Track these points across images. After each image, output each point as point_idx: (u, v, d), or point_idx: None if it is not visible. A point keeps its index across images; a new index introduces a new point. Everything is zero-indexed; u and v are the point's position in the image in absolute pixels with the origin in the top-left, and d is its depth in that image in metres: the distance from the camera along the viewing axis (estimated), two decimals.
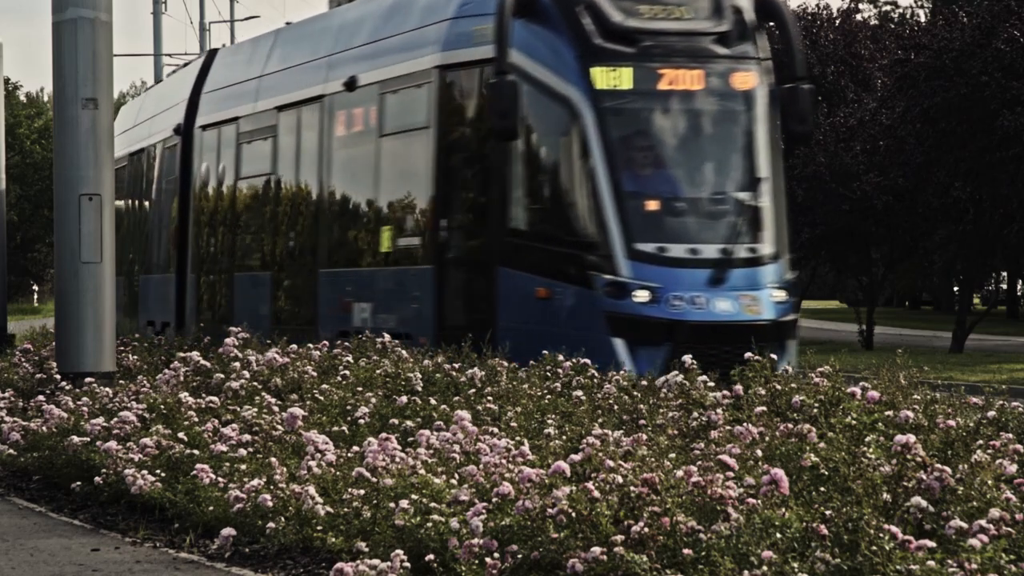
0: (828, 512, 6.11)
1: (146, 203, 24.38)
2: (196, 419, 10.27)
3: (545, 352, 13.31)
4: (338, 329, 16.68)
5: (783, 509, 6.40)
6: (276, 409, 10.25)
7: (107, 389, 11.95)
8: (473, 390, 11.31)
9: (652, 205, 14.59)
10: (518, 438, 8.77)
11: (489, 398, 10.62)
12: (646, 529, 6.22)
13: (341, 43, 18.13)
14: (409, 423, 9.87)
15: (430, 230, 15.80)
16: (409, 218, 16.48)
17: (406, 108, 16.59)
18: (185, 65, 24.33)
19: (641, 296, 14.00)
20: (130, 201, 25.29)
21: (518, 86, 14.29)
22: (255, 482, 8.19)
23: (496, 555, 6.49)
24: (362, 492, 7.69)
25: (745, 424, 8.37)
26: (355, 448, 8.77)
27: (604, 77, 14.48)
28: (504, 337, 13.61)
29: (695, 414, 9.52)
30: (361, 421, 10.13)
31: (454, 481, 7.71)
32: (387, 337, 13.35)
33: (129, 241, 24.66)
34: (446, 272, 15.59)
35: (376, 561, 6.63)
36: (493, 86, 14.35)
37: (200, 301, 21.50)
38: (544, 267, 14.62)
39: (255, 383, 11.76)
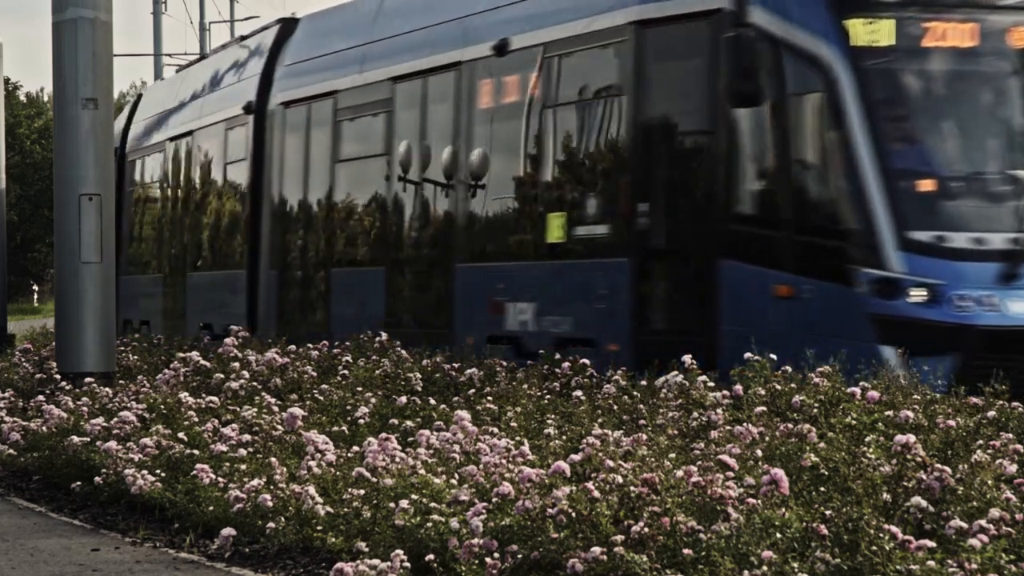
0: (828, 512, 6.11)
1: (196, 192, 21.77)
2: (196, 419, 10.27)
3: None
4: (486, 333, 14.61)
5: (783, 509, 6.40)
6: (276, 409, 10.26)
7: (107, 389, 11.96)
8: (473, 390, 11.32)
9: (928, 185, 12.24)
10: (518, 438, 8.77)
11: (489, 398, 10.62)
12: (646, 529, 6.22)
13: (482, 2, 15.65)
14: (409, 423, 9.87)
15: (624, 216, 13.38)
16: (591, 202, 14.07)
17: (586, 73, 14.23)
18: (243, 38, 21.91)
19: (918, 295, 11.71)
20: (171, 191, 22.81)
21: (760, 42, 12.13)
22: (255, 482, 8.19)
23: (496, 555, 6.49)
24: (362, 492, 7.69)
25: (745, 424, 8.37)
26: (355, 448, 8.77)
27: (863, 32, 12.24)
28: (728, 344, 11.90)
29: (695, 414, 9.52)
30: (361, 421, 10.14)
31: (454, 481, 7.71)
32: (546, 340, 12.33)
33: (171, 235, 22.60)
34: (646, 265, 13.21)
35: (376, 561, 6.63)
36: (731, 42, 12.16)
37: (282, 301, 18.72)
38: (785, 259, 12.23)
39: (255, 383, 11.77)
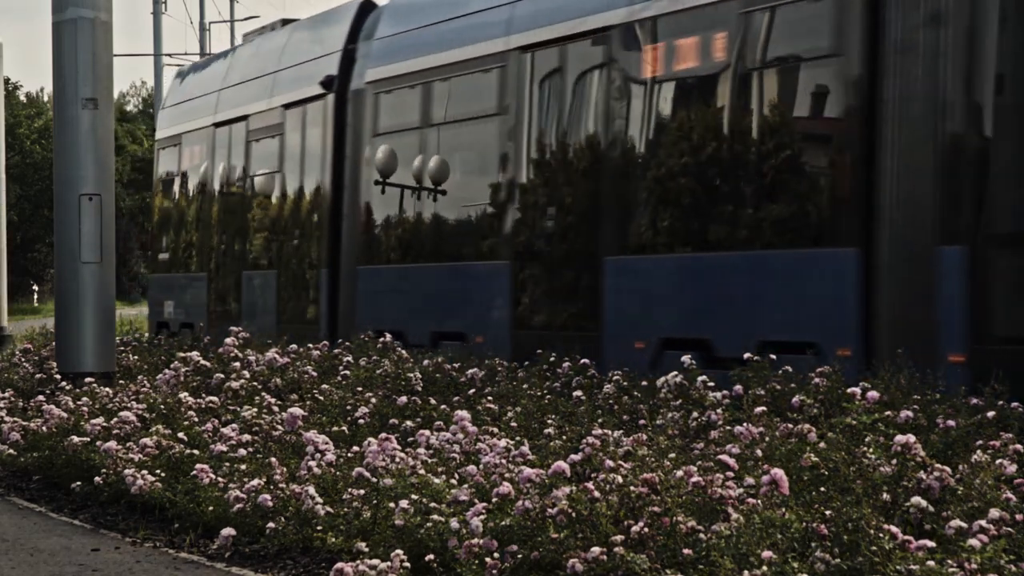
0: (828, 512, 6.11)
1: (251, 181, 19.43)
2: (196, 419, 10.28)
3: (549, 353, 12.57)
4: (656, 337, 12.43)
5: (783, 509, 6.39)
6: (276, 409, 10.27)
7: (107, 389, 11.95)
8: (473, 390, 11.32)
9: None
10: (518, 438, 8.78)
11: (489, 398, 10.62)
12: (646, 529, 6.22)
13: None
14: (409, 423, 9.88)
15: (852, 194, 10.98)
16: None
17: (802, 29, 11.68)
18: (326, 16, 19.23)
19: None
20: (218, 180, 20.46)
21: None
22: (255, 482, 8.19)
23: (496, 555, 6.49)
24: (362, 492, 7.69)
25: (745, 424, 8.37)
26: (355, 448, 8.77)
27: None
28: None
29: (695, 414, 9.52)
30: (361, 421, 10.14)
31: (454, 481, 7.71)
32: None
33: (219, 229, 20.38)
34: (886, 257, 10.97)
35: (376, 561, 6.63)
36: None
37: (374, 302, 16.34)
38: None
39: (255, 383, 11.78)
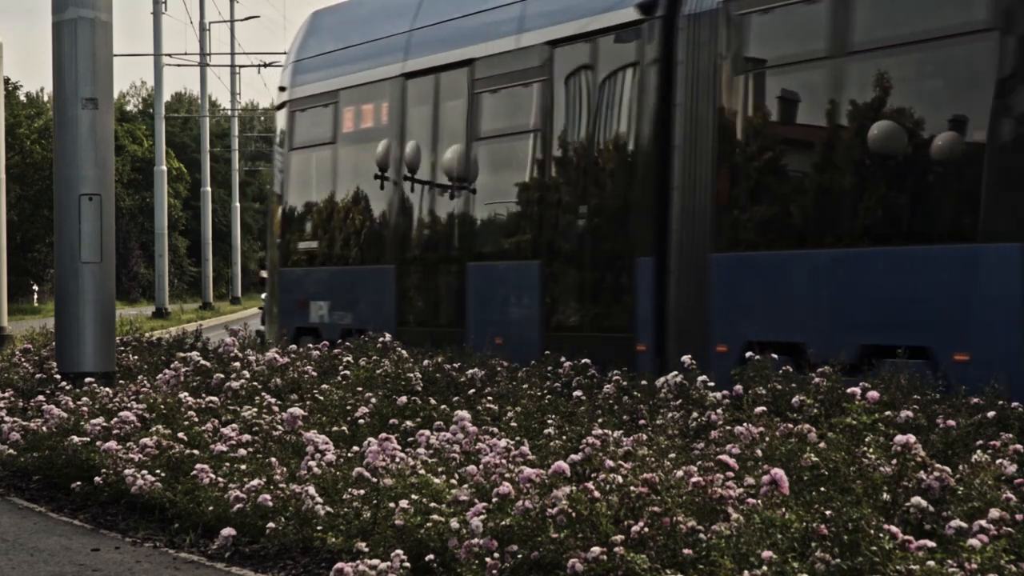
0: (828, 512, 6.11)
1: (480, 145, 15.22)
2: (196, 419, 10.28)
3: (548, 352, 12.73)
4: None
5: (783, 509, 6.40)
6: (276, 409, 10.27)
7: (107, 389, 11.96)
8: (473, 390, 11.32)
9: None
10: (518, 438, 8.78)
11: (489, 398, 10.63)
12: (646, 529, 6.22)
13: None
14: (409, 423, 9.88)
15: None
16: None
17: None
18: None
19: None
20: (405, 147, 16.23)
21: None
22: (255, 482, 8.19)
23: (496, 555, 6.49)
24: (362, 492, 7.69)
25: (745, 424, 8.37)
26: (355, 448, 8.78)
27: None
28: None
29: (695, 414, 9.52)
30: (361, 421, 10.14)
31: (454, 481, 7.71)
32: None
33: (409, 210, 16.23)
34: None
35: (376, 561, 6.63)
36: None
37: (750, 300, 12.02)
38: None
39: (255, 383, 11.78)
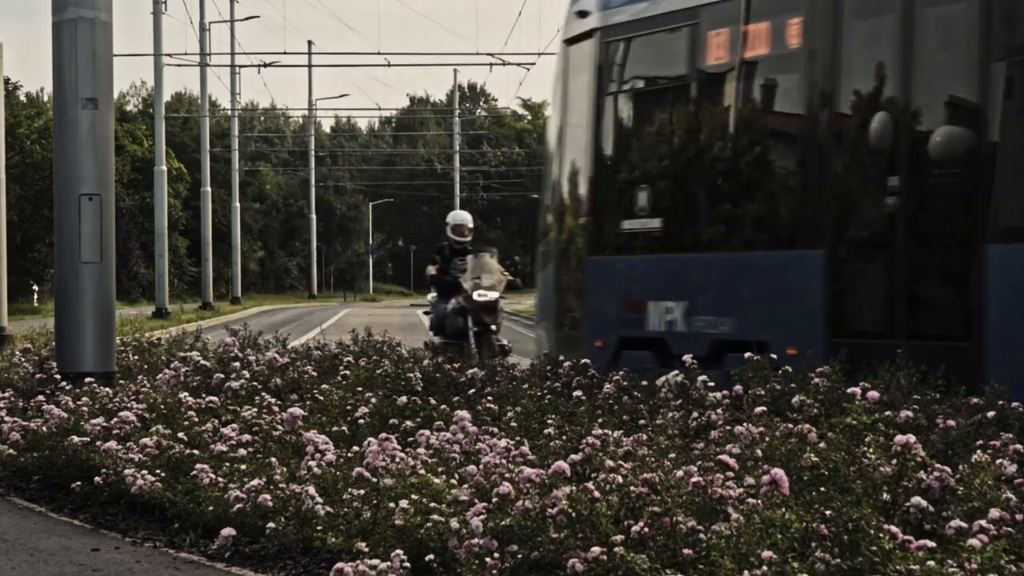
0: (828, 512, 6.11)
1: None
2: (196, 419, 10.27)
3: (545, 352, 13.11)
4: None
5: (783, 509, 6.39)
6: (276, 409, 10.27)
7: (107, 389, 11.95)
8: (473, 390, 11.32)
9: None
10: (518, 438, 8.78)
11: (489, 398, 10.63)
12: (646, 529, 6.22)
13: None
14: (409, 423, 9.88)
15: None
16: None
17: None
18: None
19: None
20: (847, 81, 11.49)
21: None
22: (255, 482, 8.19)
23: (496, 555, 6.48)
24: (362, 492, 7.69)
25: (745, 424, 8.37)
26: (355, 448, 8.77)
27: None
28: None
29: (695, 414, 9.52)
30: (361, 421, 10.14)
31: (454, 481, 7.71)
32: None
33: (862, 174, 11.43)
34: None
35: (376, 561, 6.63)
36: None
37: None
38: None
39: (255, 383, 11.78)
